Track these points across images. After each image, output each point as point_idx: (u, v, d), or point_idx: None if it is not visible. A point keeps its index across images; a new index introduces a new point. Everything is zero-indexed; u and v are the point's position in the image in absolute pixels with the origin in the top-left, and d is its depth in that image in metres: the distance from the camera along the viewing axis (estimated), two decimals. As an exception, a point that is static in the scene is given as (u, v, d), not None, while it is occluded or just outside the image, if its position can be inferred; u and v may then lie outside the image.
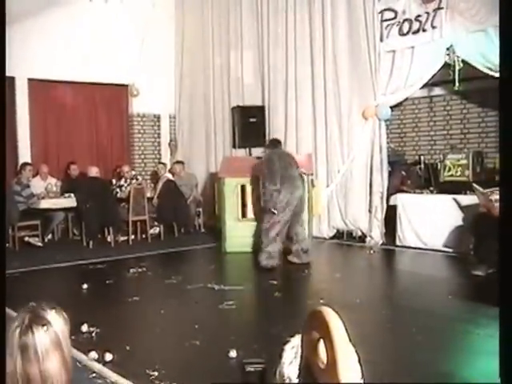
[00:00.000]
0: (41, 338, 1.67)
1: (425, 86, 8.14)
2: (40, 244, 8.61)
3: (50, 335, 1.69)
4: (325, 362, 1.33)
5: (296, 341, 1.53)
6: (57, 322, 1.73)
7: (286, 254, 7.18)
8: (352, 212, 8.63)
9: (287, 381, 1.54)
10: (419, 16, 7.59)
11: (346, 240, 8.77)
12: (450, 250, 7.37)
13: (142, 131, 11.45)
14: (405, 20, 7.78)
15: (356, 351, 1.45)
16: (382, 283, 6.58)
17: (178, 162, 10.63)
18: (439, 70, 7.59)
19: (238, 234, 7.93)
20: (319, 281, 6.75)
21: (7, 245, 8.35)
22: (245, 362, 1.83)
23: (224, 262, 7.77)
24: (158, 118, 11.60)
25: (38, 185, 9.18)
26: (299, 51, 9.17)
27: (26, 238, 8.63)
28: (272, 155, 7.15)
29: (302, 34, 9.10)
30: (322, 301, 5.06)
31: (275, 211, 6.82)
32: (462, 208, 7.21)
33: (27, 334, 1.66)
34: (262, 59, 9.90)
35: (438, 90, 9.08)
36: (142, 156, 11.48)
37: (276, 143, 7.54)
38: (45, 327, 1.69)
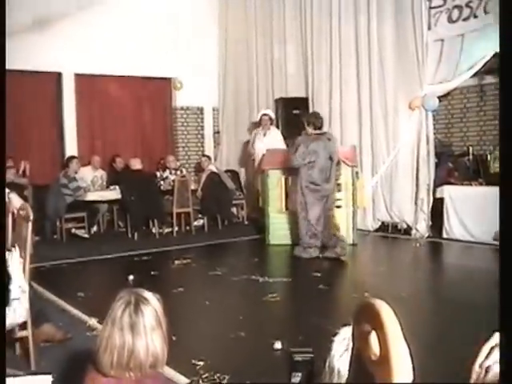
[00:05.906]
0: (148, 315, 1.90)
1: (475, 74, 7.88)
2: (86, 235, 8.76)
3: (154, 313, 1.92)
4: (377, 354, 1.28)
5: (346, 333, 1.48)
6: (156, 302, 1.96)
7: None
8: (397, 204, 8.47)
9: (337, 373, 1.50)
10: (470, 2, 7.30)
11: (391, 232, 8.62)
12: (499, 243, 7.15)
13: (185, 124, 11.51)
14: (454, 6, 7.51)
15: (407, 344, 1.40)
16: (429, 276, 6.44)
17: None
18: (491, 58, 7.30)
19: (282, 226, 7.89)
20: (363, 274, 6.66)
21: (55, 236, 8.56)
22: (292, 351, 1.79)
23: (268, 254, 7.75)
24: (202, 110, 11.63)
25: (87, 174, 9.33)
26: (344, 42, 9.02)
27: (73, 230, 8.80)
28: (317, 146, 6.96)
29: (347, 25, 8.93)
30: (366, 294, 4.98)
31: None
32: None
33: (137, 312, 1.89)
34: (306, 51, 9.80)
35: (489, 79, 8.76)
36: (186, 148, 11.54)
37: (318, 122, 7.16)
38: (150, 306, 1.92)
